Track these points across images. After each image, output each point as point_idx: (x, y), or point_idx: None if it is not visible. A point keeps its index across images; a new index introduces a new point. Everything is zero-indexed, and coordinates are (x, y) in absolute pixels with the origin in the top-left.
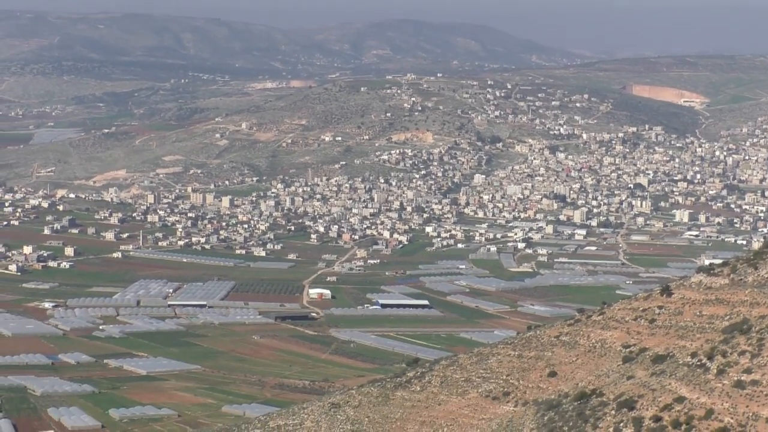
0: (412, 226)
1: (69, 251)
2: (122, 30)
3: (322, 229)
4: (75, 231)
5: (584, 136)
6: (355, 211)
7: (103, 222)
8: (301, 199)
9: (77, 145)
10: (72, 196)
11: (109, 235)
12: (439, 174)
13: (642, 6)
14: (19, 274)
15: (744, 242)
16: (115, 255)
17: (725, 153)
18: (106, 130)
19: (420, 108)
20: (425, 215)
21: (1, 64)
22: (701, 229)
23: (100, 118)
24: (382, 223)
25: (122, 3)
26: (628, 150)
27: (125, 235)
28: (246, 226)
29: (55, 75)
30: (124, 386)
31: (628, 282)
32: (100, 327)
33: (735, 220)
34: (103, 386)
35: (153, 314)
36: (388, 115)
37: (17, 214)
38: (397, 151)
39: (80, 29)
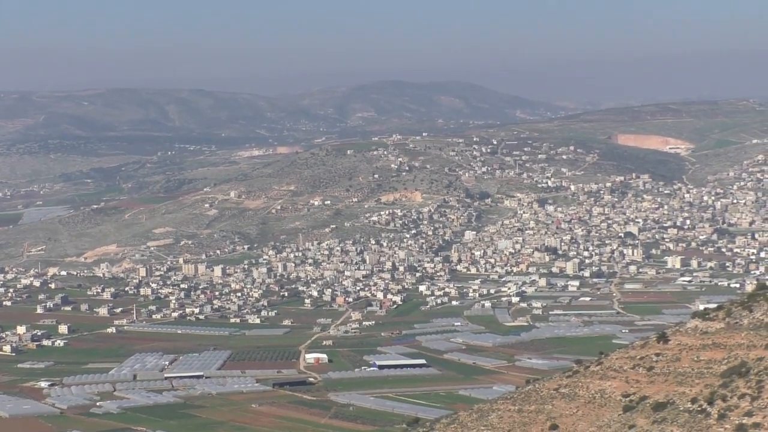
0: (406, 286)
1: (63, 329)
2: (107, 105)
3: (315, 294)
4: (68, 308)
5: (572, 187)
6: (347, 273)
7: (96, 298)
8: (293, 265)
9: (66, 223)
10: (63, 273)
11: (103, 311)
12: (430, 232)
13: (624, 57)
14: (13, 354)
15: (737, 285)
16: (109, 330)
17: (713, 197)
18: (95, 206)
19: (407, 168)
20: (418, 274)
21: None
22: (694, 274)
23: (88, 195)
24: (375, 284)
25: (106, 79)
26: (616, 199)
27: (119, 310)
28: (239, 294)
29: (42, 154)
30: None
31: (624, 331)
32: (98, 404)
33: (727, 264)
34: None
35: (150, 388)
36: (376, 176)
37: (9, 295)
38: (387, 212)
39: (65, 107)
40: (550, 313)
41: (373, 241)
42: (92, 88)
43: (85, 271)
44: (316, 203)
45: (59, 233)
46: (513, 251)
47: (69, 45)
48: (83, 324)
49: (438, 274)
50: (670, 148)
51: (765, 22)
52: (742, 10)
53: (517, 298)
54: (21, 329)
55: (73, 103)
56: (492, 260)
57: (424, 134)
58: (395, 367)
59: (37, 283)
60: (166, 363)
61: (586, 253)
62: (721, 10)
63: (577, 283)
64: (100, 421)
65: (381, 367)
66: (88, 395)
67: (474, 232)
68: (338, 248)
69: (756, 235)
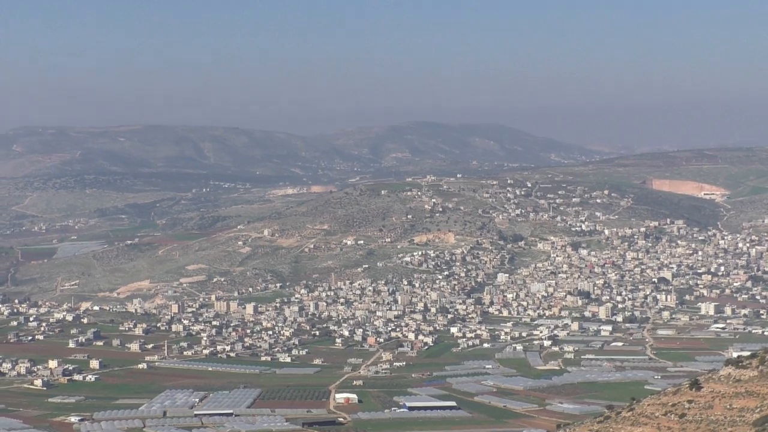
0: (437, 327)
1: (94, 364)
2: (143, 142)
3: (346, 333)
4: (100, 343)
5: (606, 231)
6: (379, 313)
7: (128, 333)
8: (324, 304)
9: (100, 258)
10: (96, 308)
11: (134, 346)
12: (462, 274)
13: (659, 102)
14: (44, 388)
15: None
16: (140, 366)
17: (748, 244)
18: (129, 242)
19: (441, 209)
20: (450, 316)
21: (24, 179)
22: (727, 321)
23: (122, 230)
24: (407, 325)
25: (142, 115)
26: (650, 244)
27: (150, 346)
28: (270, 332)
29: (78, 189)
30: None
31: (656, 377)
32: None
33: (761, 312)
34: None
35: (180, 425)
36: (409, 217)
37: (42, 329)
38: (420, 253)
39: (101, 143)
40: (582, 357)
41: (405, 282)
42: (128, 125)
43: (118, 307)
44: (349, 243)
45: (93, 268)
46: (545, 294)
47: (106, 82)
48: (114, 359)
49: (470, 316)
50: (705, 194)
51: None
52: None
53: (549, 342)
54: (52, 363)
55: (109, 139)
56: (524, 303)
57: (458, 175)
58: (425, 408)
59: (69, 318)
60: (197, 400)
61: (619, 298)
62: (758, 56)
63: (609, 327)
64: None
65: (411, 408)
66: (117, 431)
67: (507, 275)
68: (370, 288)
69: None
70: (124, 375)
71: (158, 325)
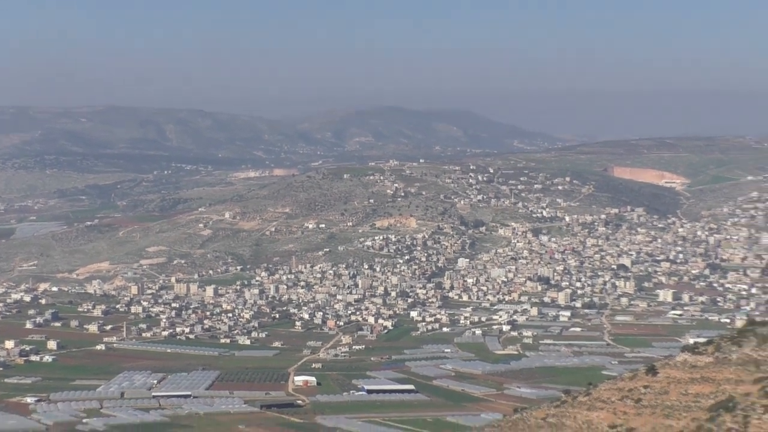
0: (397, 311)
1: (52, 345)
2: (105, 123)
3: (306, 316)
4: (58, 324)
5: (567, 218)
6: (339, 297)
7: (87, 314)
8: (285, 287)
9: (60, 238)
10: (55, 289)
11: (93, 328)
12: (423, 259)
13: (622, 91)
14: (1, 369)
15: (728, 321)
16: (98, 347)
17: (707, 233)
18: (89, 223)
19: (403, 194)
20: (410, 300)
21: None
22: (685, 308)
23: (82, 211)
24: (367, 308)
25: (105, 97)
26: (610, 231)
27: (109, 327)
28: (230, 315)
29: (38, 169)
30: None
31: (613, 362)
32: (84, 420)
33: (718, 299)
34: None
35: (137, 406)
36: (371, 201)
37: None
38: (381, 237)
39: (62, 123)
40: (541, 342)
41: (366, 266)
42: (91, 105)
43: (77, 288)
44: (310, 226)
45: (52, 249)
46: (505, 280)
47: (69, 62)
48: (72, 340)
49: (430, 300)
50: (665, 183)
51: (762, 62)
52: (741, 50)
53: (508, 327)
54: (9, 344)
55: (71, 120)
56: (484, 288)
57: (421, 161)
58: (384, 392)
59: (27, 298)
60: (155, 382)
61: (578, 284)
62: (722, 50)
63: (568, 313)
64: None
65: (369, 391)
66: (74, 412)
67: (467, 260)
68: (331, 272)
69: (748, 271)
70: (81, 356)
71: (117, 306)
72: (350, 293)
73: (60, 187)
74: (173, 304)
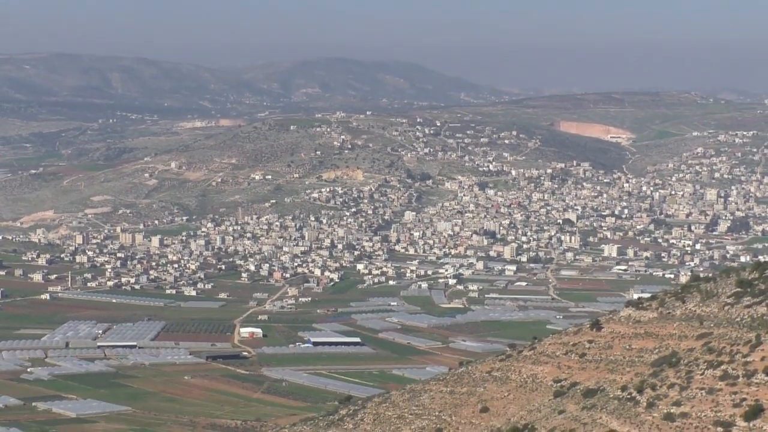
0: (343, 264)
1: None
2: (49, 70)
3: (252, 268)
4: (2, 273)
5: (513, 172)
6: (285, 249)
7: (31, 263)
8: (231, 238)
9: (3, 187)
10: None
11: (37, 277)
12: (370, 211)
13: (568, 44)
14: None
15: (672, 276)
16: (43, 296)
17: (652, 188)
18: (33, 171)
19: (350, 146)
20: (356, 253)
21: None
22: (629, 263)
23: (26, 159)
24: (313, 261)
25: (48, 43)
26: (556, 186)
27: (53, 277)
28: (176, 265)
29: None
30: (53, 429)
31: (558, 317)
32: (28, 369)
33: (662, 255)
34: (31, 430)
35: (82, 356)
36: (318, 153)
37: None
38: (328, 189)
39: (5, 70)
40: (486, 296)
41: (312, 218)
42: (34, 52)
43: (21, 237)
44: (257, 177)
45: None
46: (452, 233)
47: (11, 7)
48: (17, 289)
49: (376, 253)
50: (611, 137)
51: (708, 16)
52: (686, 2)
53: (454, 281)
54: None
55: (14, 66)
56: (430, 242)
57: (367, 113)
58: (329, 344)
59: None
60: (100, 332)
61: (524, 238)
62: (666, 1)
63: (514, 267)
64: (30, 387)
65: (315, 344)
66: (19, 361)
67: (414, 213)
68: (277, 223)
69: (692, 227)
70: (26, 305)
71: (62, 255)
72: (296, 245)
73: (3, 134)
74: (118, 254)
